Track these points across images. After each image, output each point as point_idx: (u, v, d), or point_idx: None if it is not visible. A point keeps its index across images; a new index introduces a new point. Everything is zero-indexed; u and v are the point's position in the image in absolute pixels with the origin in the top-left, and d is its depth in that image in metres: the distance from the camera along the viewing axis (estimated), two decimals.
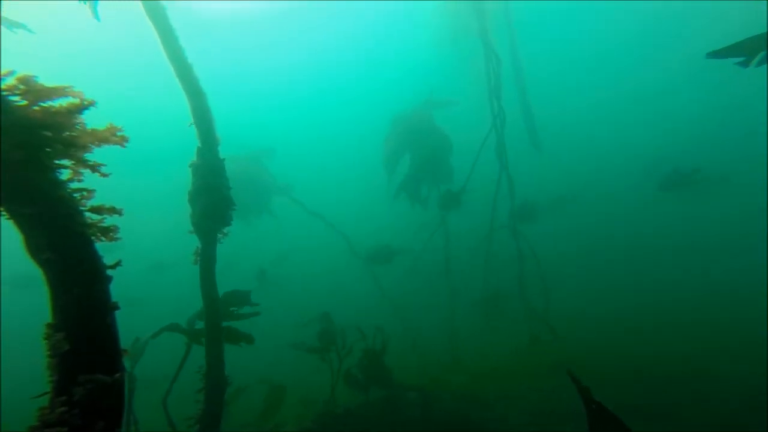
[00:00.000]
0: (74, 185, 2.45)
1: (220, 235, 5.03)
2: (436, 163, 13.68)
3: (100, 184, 2.62)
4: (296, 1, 22.51)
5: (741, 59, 6.28)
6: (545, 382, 9.22)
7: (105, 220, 2.57)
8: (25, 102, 2.21)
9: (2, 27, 5.61)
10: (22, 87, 2.20)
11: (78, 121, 2.47)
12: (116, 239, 2.63)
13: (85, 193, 2.44)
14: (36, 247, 2.25)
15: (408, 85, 25.98)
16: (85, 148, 2.50)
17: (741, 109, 30.34)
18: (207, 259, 4.95)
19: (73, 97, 2.45)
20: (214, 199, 4.82)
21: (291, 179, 15.55)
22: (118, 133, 2.35)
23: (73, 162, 2.46)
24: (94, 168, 2.49)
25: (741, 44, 6.07)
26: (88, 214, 2.49)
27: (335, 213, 15.62)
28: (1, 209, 2.22)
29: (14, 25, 5.82)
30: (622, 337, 12.12)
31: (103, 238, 2.57)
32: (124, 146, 2.38)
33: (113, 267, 2.67)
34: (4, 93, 2.14)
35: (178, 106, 4.83)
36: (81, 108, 2.46)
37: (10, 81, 2.16)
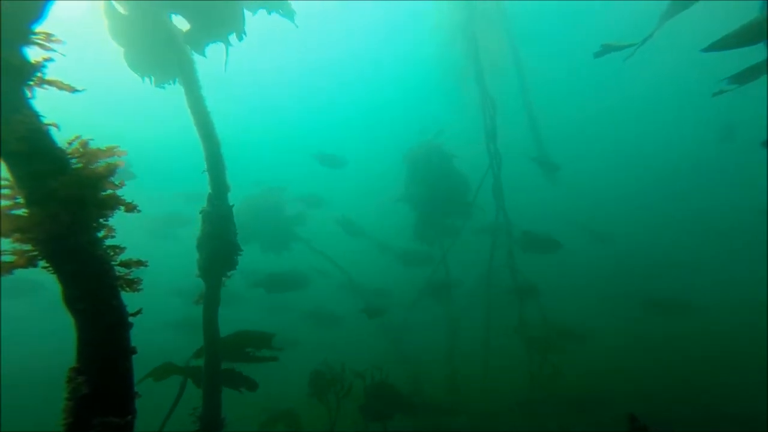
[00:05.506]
0: (108, 242, 2.73)
1: (224, 278, 5.28)
2: (451, 204, 13.81)
3: None
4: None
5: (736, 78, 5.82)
6: (550, 422, 9.14)
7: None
8: (81, 164, 2.51)
9: None
10: (81, 150, 2.51)
11: (111, 183, 2.78)
12: (139, 290, 2.89)
13: (117, 250, 2.72)
14: (72, 298, 2.49)
15: (410, 93, 26.00)
16: (113, 209, 2.78)
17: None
18: (211, 301, 5.15)
19: (118, 157, 2.76)
20: (222, 244, 5.09)
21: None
22: (137, 209, 2.68)
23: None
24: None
25: (738, 32, 5.37)
26: (117, 267, 2.76)
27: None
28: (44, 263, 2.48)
29: None
30: (624, 369, 12.16)
31: (128, 289, 2.84)
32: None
33: (135, 315, 2.91)
34: (69, 157, 2.46)
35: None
36: (116, 169, 2.78)
37: (75, 145, 2.49)
